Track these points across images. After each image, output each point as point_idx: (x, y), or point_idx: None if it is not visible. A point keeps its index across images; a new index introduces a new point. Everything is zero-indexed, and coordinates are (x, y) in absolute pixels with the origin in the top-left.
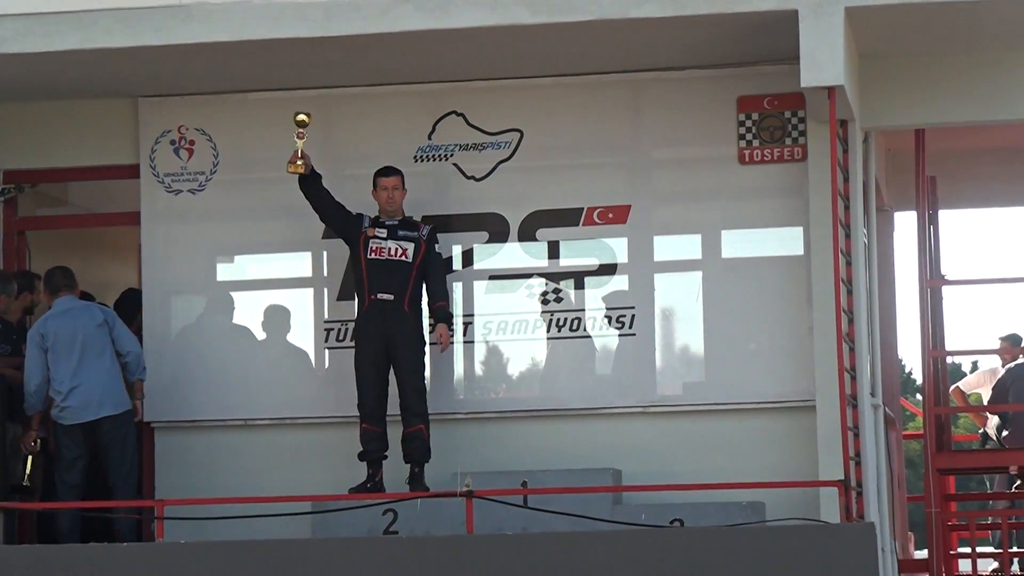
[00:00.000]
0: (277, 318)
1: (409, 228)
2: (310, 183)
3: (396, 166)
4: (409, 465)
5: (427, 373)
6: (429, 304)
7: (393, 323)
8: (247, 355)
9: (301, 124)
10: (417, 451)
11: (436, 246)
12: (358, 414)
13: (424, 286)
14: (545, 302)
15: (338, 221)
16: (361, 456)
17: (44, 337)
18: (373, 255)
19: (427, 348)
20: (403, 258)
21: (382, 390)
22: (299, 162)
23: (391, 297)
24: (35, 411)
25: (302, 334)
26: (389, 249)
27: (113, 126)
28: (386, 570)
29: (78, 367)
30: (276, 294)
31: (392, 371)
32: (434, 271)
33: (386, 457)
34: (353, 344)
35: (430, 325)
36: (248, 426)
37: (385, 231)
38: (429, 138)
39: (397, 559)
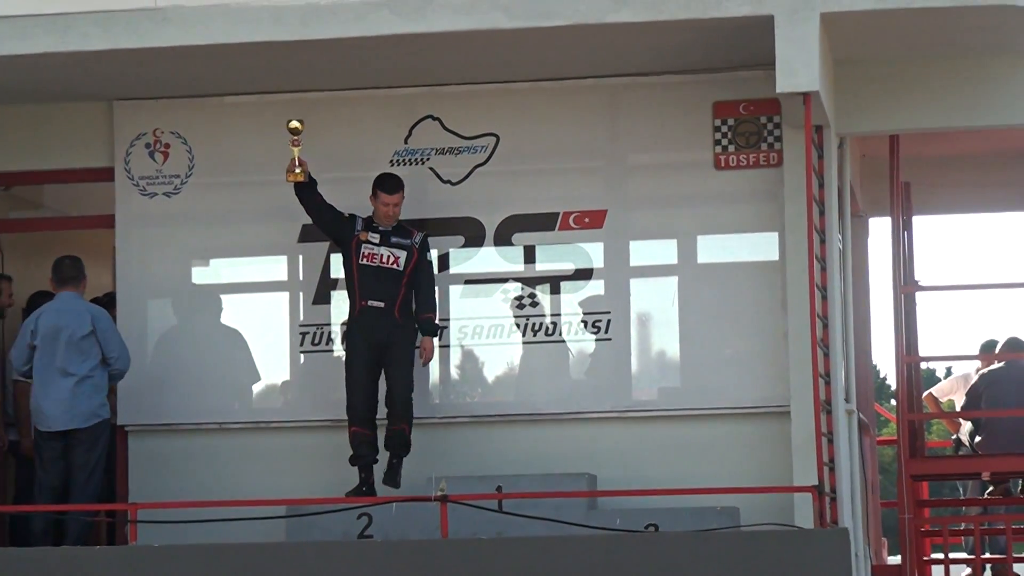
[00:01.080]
0: (252, 321)
1: (402, 235)
2: (307, 190)
3: (395, 176)
4: (388, 456)
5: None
6: (416, 314)
7: (384, 330)
8: (222, 358)
9: (295, 132)
10: (398, 444)
11: (428, 254)
12: (346, 417)
13: (414, 294)
14: (521, 307)
15: (332, 225)
16: (353, 461)
17: (34, 333)
18: (365, 260)
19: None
20: (395, 266)
21: (372, 394)
22: (297, 170)
23: (382, 305)
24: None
25: (277, 338)
26: (381, 256)
27: (88, 129)
28: (360, 574)
29: (57, 373)
30: (251, 298)
31: (383, 375)
32: (424, 281)
33: (376, 461)
34: (328, 348)
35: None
36: (223, 429)
37: (378, 236)
38: (405, 142)
39: (371, 563)
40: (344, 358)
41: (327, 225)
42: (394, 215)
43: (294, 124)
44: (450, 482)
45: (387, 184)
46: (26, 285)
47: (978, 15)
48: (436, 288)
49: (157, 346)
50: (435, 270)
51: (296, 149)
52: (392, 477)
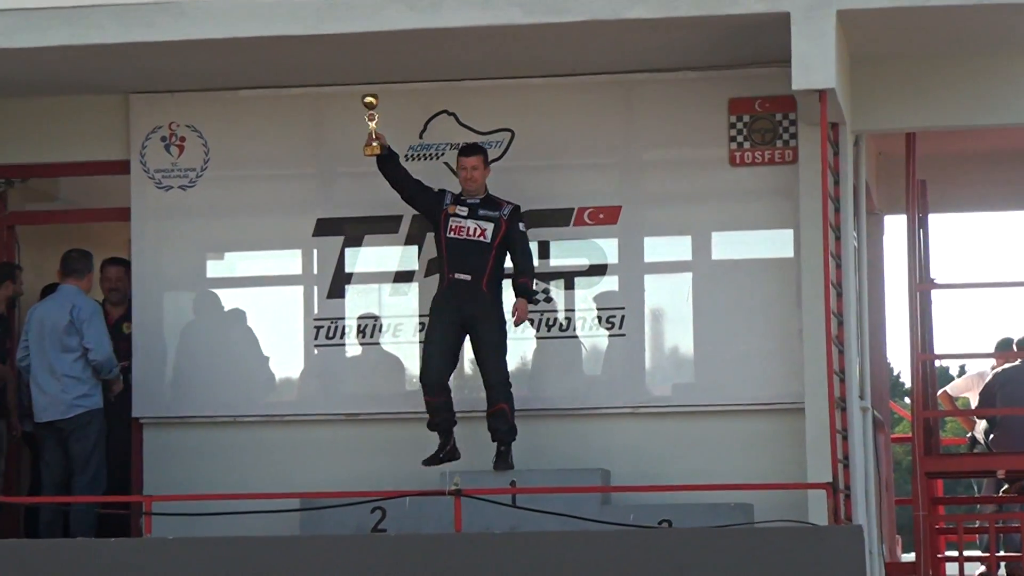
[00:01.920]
0: (266, 315)
1: (490, 207)
2: (388, 163)
3: (471, 142)
4: (496, 444)
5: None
6: (512, 279)
7: (471, 303)
8: (237, 352)
9: (369, 106)
10: (502, 430)
11: (520, 224)
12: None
13: (507, 265)
14: (535, 302)
15: (419, 199)
16: (430, 427)
17: (27, 324)
18: (452, 234)
19: (507, 327)
20: (481, 238)
21: (447, 365)
22: (374, 143)
23: (468, 278)
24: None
25: (292, 332)
26: (468, 228)
27: (104, 122)
28: (374, 568)
29: (44, 364)
30: (266, 291)
31: (473, 352)
32: (518, 249)
33: (455, 423)
34: (342, 342)
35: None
36: (237, 423)
37: (466, 209)
38: (420, 137)
39: (385, 557)
40: (426, 329)
41: (412, 199)
42: (476, 180)
43: (369, 99)
44: (464, 476)
45: (464, 148)
46: (42, 277)
47: (994, 12)
48: (532, 255)
49: (171, 339)
50: (528, 240)
51: (372, 123)
52: (501, 463)
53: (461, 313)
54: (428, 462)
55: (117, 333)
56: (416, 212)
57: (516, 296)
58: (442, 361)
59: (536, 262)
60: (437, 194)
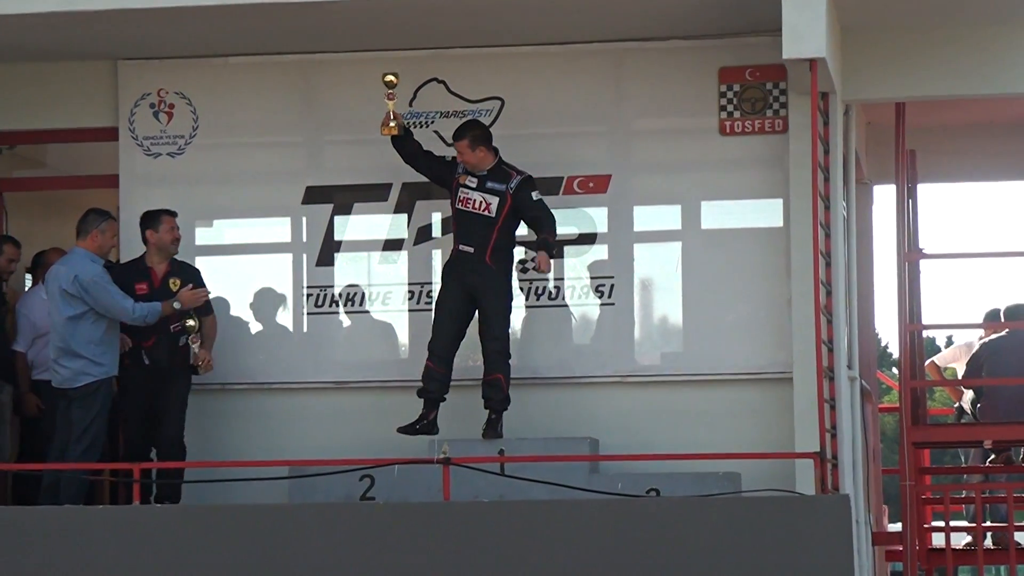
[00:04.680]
0: (255, 283)
1: (499, 180)
2: (404, 143)
3: (463, 123)
4: (487, 411)
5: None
6: (536, 236)
7: (474, 275)
8: (225, 320)
9: (389, 85)
10: (496, 399)
11: (533, 194)
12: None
13: (509, 238)
14: (524, 270)
15: (434, 170)
16: (420, 393)
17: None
18: (460, 205)
19: (512, 300)
20: (486, 212)
21: (455, 337)
22: (392, 124)
23: (471, 250)
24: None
25: (280, 299)
26: (474, 201)
27: (92, 88)
28: (362, 536)
29: (52, 330)
30: (255, 259)
31: (477, 321)
32: (535, 216)
33: (444, 399)
34: (333, 310)
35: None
36: (226, 391)
37: (475, 181)
38: (410, 105)
39: (373, 525)
40: (437, 294)
41: (427, 171)
42: (468, 161)
43: (389, 77)
44: (452, 445)
45: (454, 132)
46: (30, 245)
47: None
48: (553, 218)
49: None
50: (546, 205)
51: (391, 103)
52: (491, 431)
53: (464, 282)
54: (403, 430)
55: (164, 290)
56: (425, 180)
57: (537, 249)
58: (453, 330)
59: (525, 230)
60: (450, 163)
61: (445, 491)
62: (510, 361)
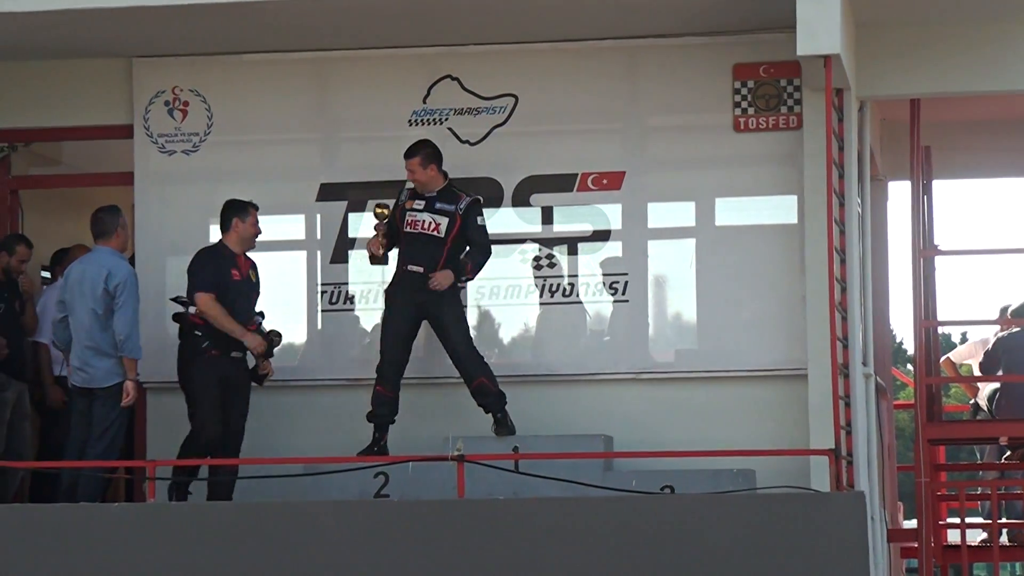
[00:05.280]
0: (269, 280)
1: (448, 201)
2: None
3: (415, 142)
4: (490, 415)
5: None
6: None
7: (423, 292)
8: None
9: (380, 217)
10: (489, 401)
11: (478, 219)
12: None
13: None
14: (538, 267)
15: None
16: (369, 417)
17: (65, 280)
18: (408, 228)
19: (464, 309)
20: (435, 232)
21: (402, 358)
22: (381, 252)
23: (420, 269)
24: (62, 344)
25: (295, 296)
26: (423, 222)
27: (107, 86)
28: (377, 533)
29: (77, 329)
30: (269, 256)
31: (437, 336)
32: (474, 241)
33: (393, 422)
34: (347, 307)
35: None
36: None
37: (423, 203)
38: (424, 102)
39: (388, 522)
40: (382, 320)
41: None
42: (418, 180)
43: (379, 211)
44: (467, 442)
45: (406, 150)
46: (46, 242)
47: None
48: (488, 249)
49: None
50: (487, 234)
51: (379, 233)
52: (502, 428)
53: (414, 301)
54: (363, 453)
55: (249, 281)
56: None
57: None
58: (401, 354)
59: (539, 227)
60: (397, 196)
61: (459, 488)
62: (483, 359)
